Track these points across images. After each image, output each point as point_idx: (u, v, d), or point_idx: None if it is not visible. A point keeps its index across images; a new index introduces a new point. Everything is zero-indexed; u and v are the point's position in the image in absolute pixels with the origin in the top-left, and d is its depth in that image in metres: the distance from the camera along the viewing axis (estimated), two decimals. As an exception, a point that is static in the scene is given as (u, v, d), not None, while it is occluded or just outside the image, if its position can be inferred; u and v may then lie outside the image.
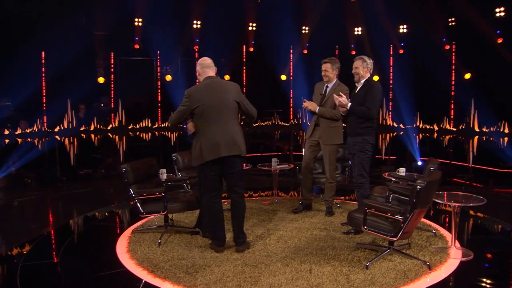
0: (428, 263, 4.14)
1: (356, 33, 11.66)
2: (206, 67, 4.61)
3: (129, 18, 10.31)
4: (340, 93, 5.19)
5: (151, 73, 11.18)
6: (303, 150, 6.14)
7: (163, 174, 5.65)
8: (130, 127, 10.42)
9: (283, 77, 11.93)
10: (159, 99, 11.35)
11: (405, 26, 11.15)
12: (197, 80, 4.77)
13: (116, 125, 10.21)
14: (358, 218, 4.27)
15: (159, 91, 11.32)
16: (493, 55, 9.41)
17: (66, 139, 9.54)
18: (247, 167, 6.78)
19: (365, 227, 4.17)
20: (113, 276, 4.21)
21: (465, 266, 4.28)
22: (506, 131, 8.96)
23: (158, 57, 11.17)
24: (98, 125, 10.02)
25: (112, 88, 10.62)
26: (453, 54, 10.69)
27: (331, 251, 4.54)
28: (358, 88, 5.21)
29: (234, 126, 4.52)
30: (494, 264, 4.63)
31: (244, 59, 11.98)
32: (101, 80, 10.28)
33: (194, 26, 11.03)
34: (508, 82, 9.32)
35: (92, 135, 9.88)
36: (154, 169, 5.47)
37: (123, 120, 10.25)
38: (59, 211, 7.34)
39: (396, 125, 10.58)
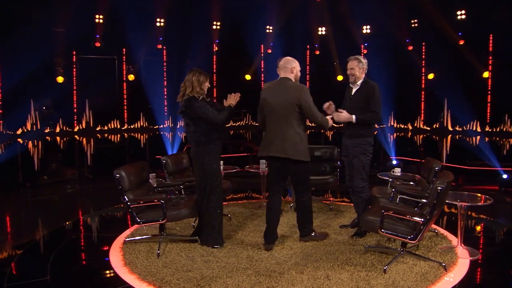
0: (443, 264, 4.11)
1: (320, 33, 11.68)
2: (279, 67, 4.70)
3: (90, 14, 9.71)
4: (339, 110, 5.00)
5: (114, 72, 10.57)
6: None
7: (153, 179, 5.32)
8: (98, 129, 9.83)
9: (248, 77, 11.70)
10: (125, 99, 10.77)
11: (368, 27, 11.29)
12: None
13: (83, 127, 9.57)
14: (374, 221, 4.16)
15: (124, 91, 10.74)
16: (456, 56, 9.72)
17: (30, 142, 8.80)
18: (234, 170, 6.56)
19: (382, 230, 4.07)
20: (116, 293, 3.84)
21: (476, 266, 4.29)
22: (479, 129, 9.28)
23: (124, 56, 10.60)
24: (64, 127, 9.36)
25: (75, 88, 9.93)
26: (423, 54, 10.94)
27: (341, 256, 4.42)
28: (354, 90, 5.04)
29: (289, 128, 4.46)
30: (504, 262, 4.62)
31: (214, 59, 11.63)
32: (60, 79, 9.58)
33: (158, 24, 10.59)
34: (470, 82, 9.68)
35: (58, 138, 9.20)
36: (146, 173, 5.10)
37: (91, 121, 9.64)
38: (27, 220, 6.70)
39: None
